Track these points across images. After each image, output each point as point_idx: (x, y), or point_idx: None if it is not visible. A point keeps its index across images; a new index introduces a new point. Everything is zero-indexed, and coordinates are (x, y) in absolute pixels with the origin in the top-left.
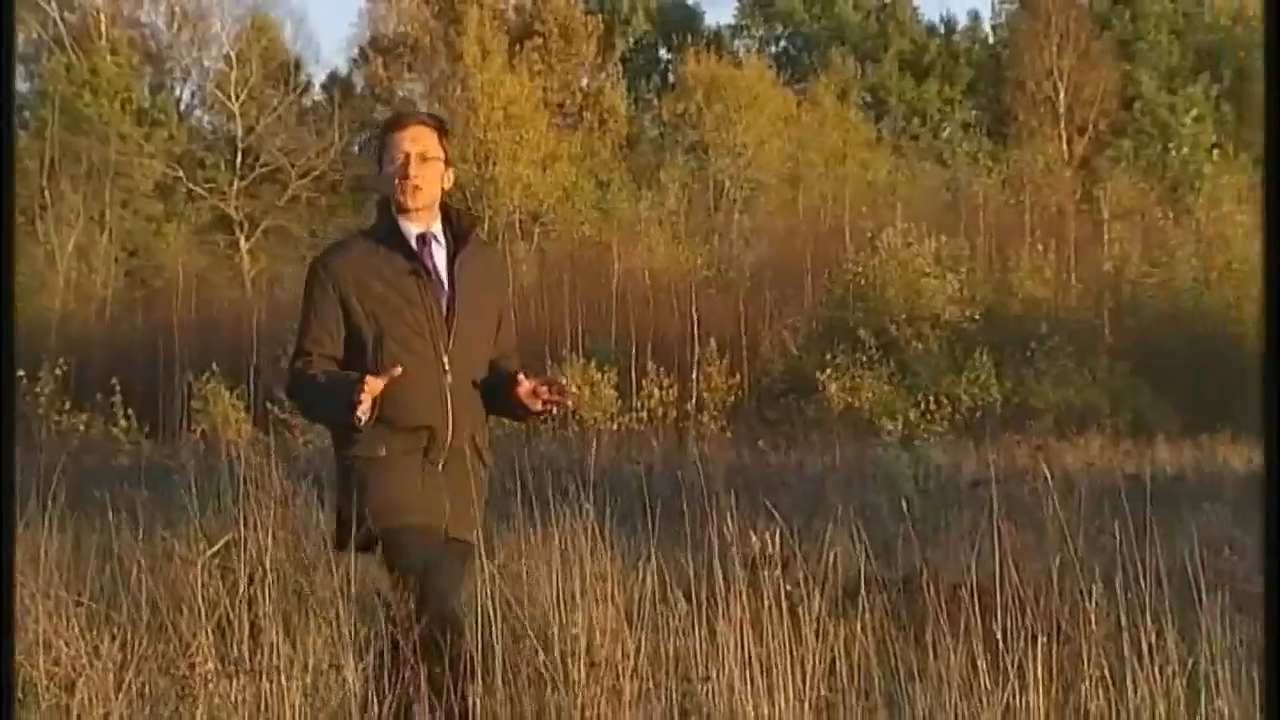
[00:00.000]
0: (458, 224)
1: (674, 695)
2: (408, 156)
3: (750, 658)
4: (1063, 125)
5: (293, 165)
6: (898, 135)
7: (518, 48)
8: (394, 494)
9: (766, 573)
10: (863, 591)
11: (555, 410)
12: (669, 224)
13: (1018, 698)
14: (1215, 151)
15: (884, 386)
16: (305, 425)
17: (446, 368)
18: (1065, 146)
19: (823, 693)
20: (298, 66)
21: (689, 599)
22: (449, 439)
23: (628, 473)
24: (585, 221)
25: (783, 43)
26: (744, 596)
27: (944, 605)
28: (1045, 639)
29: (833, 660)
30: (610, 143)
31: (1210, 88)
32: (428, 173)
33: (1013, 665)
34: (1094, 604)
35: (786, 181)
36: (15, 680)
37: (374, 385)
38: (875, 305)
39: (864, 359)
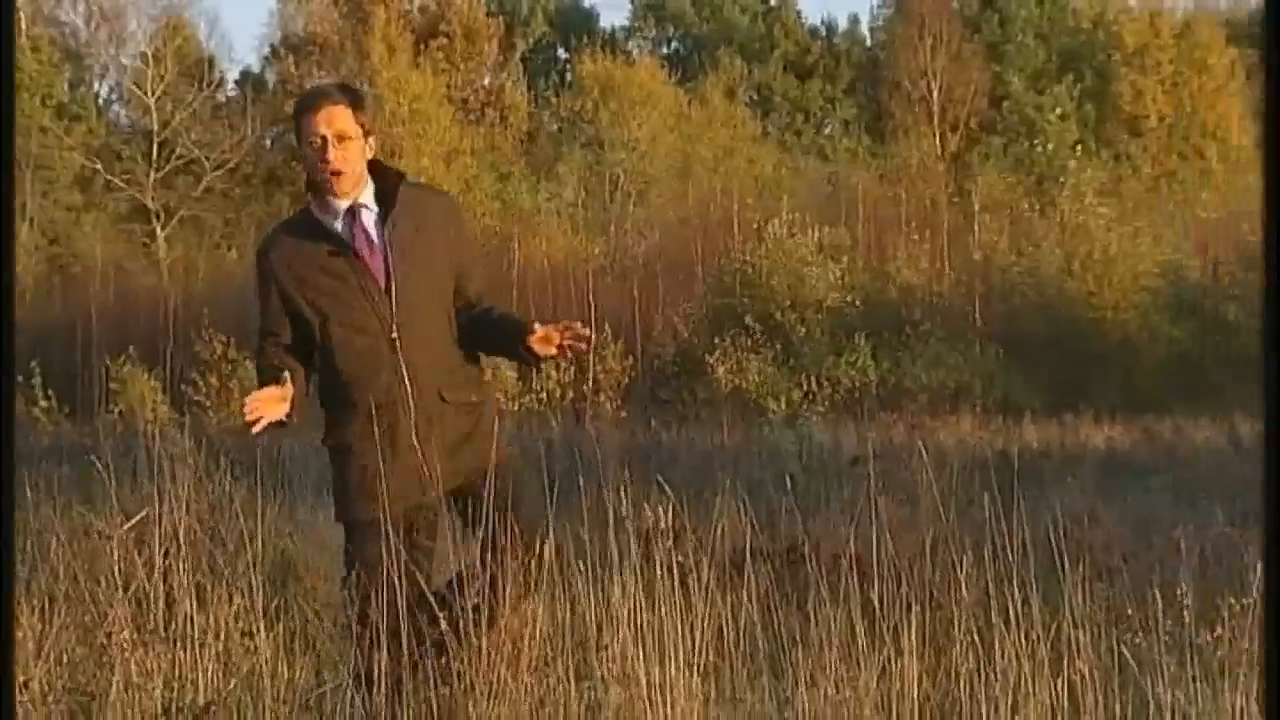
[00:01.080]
0: (383, 183)
1: (570, 661)
2: (324, 140)
3: (643, 625)
4: (936, 122)
5: (207, 158)
6: (782, 131)
7: (423, 47)
8: (359, 482)
9: (659, 544)
10: (749, 562)
11: (569, 355)
12: (567, 215)
13: (893, 661)
14: (1078, 147)
15: (769, 368)
16: (220, 406)
17: (395, 335)
18: (938, 143)
19: (711, 658)
20: (211, 64)
21: (585, 569)
22: (412, 409)
23: (528, 450)
24: (487, 213)
25: (674, 44)
26: (637, 567)
27: (824, 574)
28: (919, 606)
29: (720, 627)
30: (511, 137)
31: (1073, 88)
32: (348, 154)
33: (889, 630)
34: (964, 573)
35: (677, 175)
36: (15, 678)
37: (259, 400)
38: (761, 292)
39: (750, 343)
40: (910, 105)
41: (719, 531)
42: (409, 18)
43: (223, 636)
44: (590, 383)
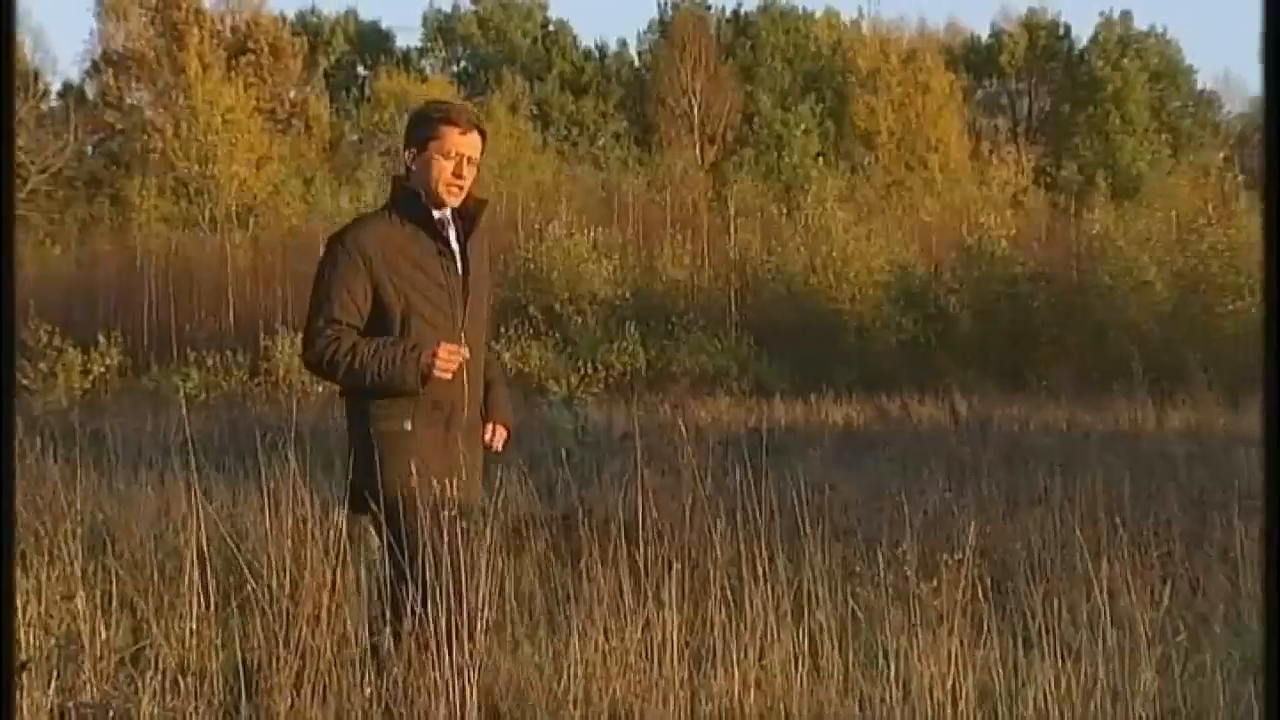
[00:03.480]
0: (467, 207)
1: (365, 618)
2: (461, 159)
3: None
4: (696, 135)
5: (32, 163)
6: (560, 143)
7: (234, 62)
8: (415, 465)
9: (447, 512)
10: (529, 527)
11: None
12: None
13: (656, 614)
14: (819, 159)
15: (549, 354)
16: (45, 390)
17: (463, 342)
18: (698, 153)
19: (493, 612)
20: (36, 76)
21: (381, 537)
22: (466, 411)
23: (330, 429)
24: (293, 214)
25: (462, 63)
26: (430, 533)
27: (596, 537)
28: (679, 565)
29: (502, 585)
30: (315, 146)
31: (815, 106)
32: (470, 176)
33: (652, 587)
34: (719, 535)
35: None
36: (15, 677)
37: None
38: (542, 286)
39: (533, 331)
40: (673, 120)
41: (502, 500)
42: (220, 36)
43: (43, 599)
44: None
